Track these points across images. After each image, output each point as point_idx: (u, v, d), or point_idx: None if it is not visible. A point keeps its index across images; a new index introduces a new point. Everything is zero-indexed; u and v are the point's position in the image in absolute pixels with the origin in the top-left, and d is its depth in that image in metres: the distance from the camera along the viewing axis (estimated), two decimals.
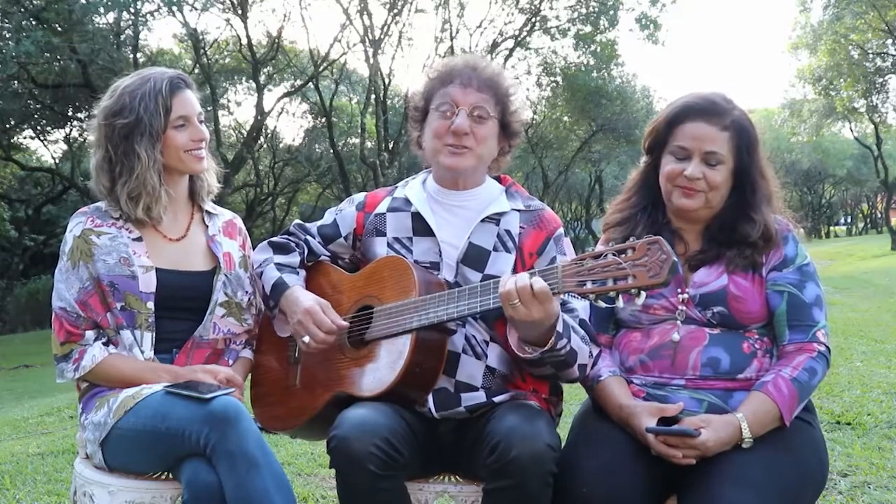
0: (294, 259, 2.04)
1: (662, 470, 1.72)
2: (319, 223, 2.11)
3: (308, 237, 2.09)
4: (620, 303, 1.51)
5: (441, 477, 1.90)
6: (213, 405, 1.69)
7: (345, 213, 2.07)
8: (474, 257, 1.88)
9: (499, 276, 1.82)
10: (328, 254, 2.09)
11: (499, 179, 2.04)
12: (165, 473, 1.85)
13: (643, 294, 1.48)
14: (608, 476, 1.67)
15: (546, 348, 1.67)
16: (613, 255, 1.51)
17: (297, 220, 2.17)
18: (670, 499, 1.75)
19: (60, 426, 5.24)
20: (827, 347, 1.82)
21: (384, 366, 1.78)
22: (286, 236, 2.12)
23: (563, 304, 1.81)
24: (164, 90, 1.96)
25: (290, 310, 1.92)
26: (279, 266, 2.01)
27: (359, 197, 2.10)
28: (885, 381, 4.50)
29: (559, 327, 1.68)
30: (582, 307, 1.84)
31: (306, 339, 1.85)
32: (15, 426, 5.49)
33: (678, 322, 1.85)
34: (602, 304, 1.54)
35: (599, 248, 2.02)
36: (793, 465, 1.70)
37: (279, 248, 2.08)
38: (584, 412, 1.96)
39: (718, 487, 1.61)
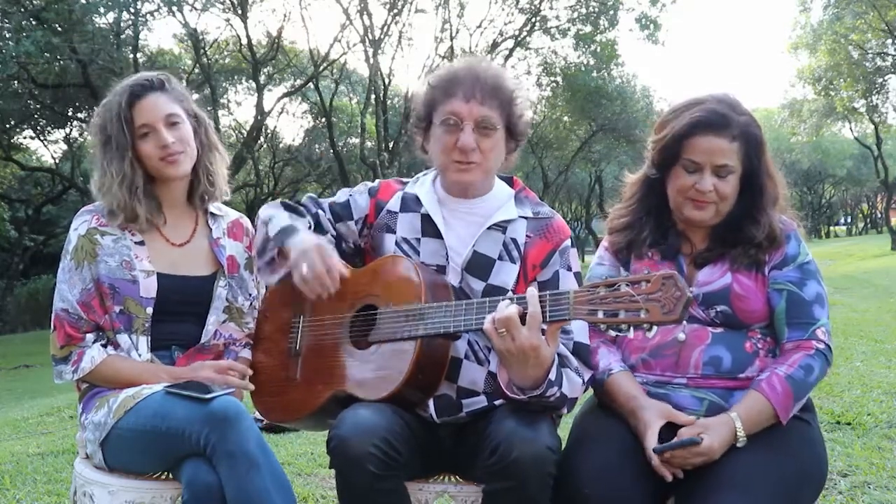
0: (304, 222, 1.97)
1: None
2: (332, 200, 2.07)
3: (319, 211, 2.04)
4: (630, 334, 1.49)
5: (441, 477, 1.90)
6: (213, 405, 1.69)
7: (358, 197, 2.03)
8: (478, 266, 1.86)
9: (502, 286, 1.82)
10: (334, 233, 2.03)
11: (510, 182, 2.01)
12: (165, 473, 1.85)
13: (655, 328, 1.46)
14: (609, 476, 1.67)
15: (535, 393, 1.64)
16: (627, 286, 1.48)
17: (310, 193, 2.12)
18: (671, 499, 1.75)
19: (60, 426, 5.24)
20: (827, 345, 1.81)
21: (387, 370, 1.76)
22: (297, 203, 2.07)
23: None
24: (124, 103, 1.96)
25: (296, 247, 1.83)
26: (291, 218, 1.94)
27: (373, 183, 2.07)
28: (885, 381, 4.50)
29: (552, 375, 1.63)
30: (578, 328, 1.81)
31: (304, 268, 1.78)
32: (15, 426, 5.49)
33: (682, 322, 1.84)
34: (612, 332, 1.52)
35: (605, 249, 2.01)
36: (791, 466, 1.70)
37: (291, 209, 2.01)
38: (585, 412, 1.96)
39: (716, 491, 1.61)
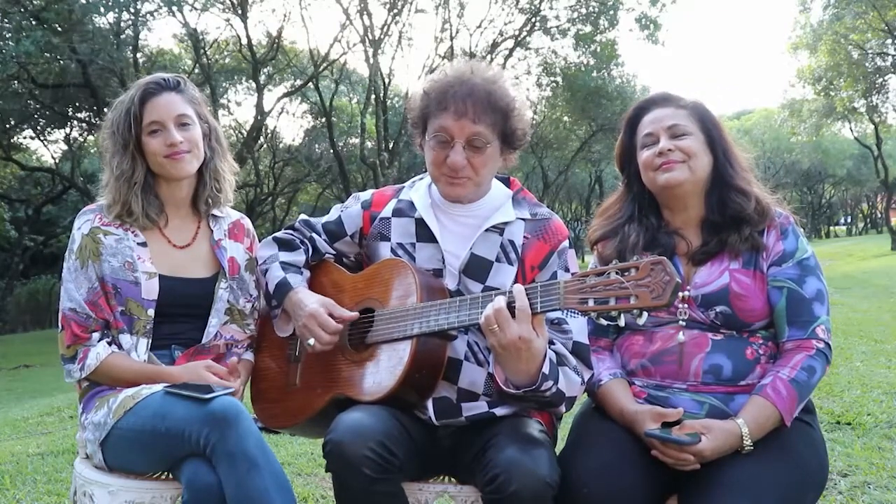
0: (299, 257, 2.03)
1: (663, 470, 1.72)
2: (325, 220, 2.09)
3: (314, 234, 2.07)
4: (622, 321, 1.50)
5: (441, 477, 1.90)
6: (213, 405, 1.69)
7: (350, 211, 2.04)
8: (476, 268, 1.86)
9: (499, 288, 1.80)
10: (333, 252, 2.06)
11: (507, 182, 2.00)
12: (165, 473, 1.85)
13: (645, 314, 1.46)
14: (609, 476, 1.67)
15: (530, 388, 1.65)
16: (616, 273, 1.49)
17: (303, 216, 2.14)
18: (670, 499, 1.75)
19: (60, 426, 5.24)
20: (827, 344, 1.81)
21: (384, 370, 1.77)
22: (291, 232, 2.10)
23: (559, 323, 1.79)
24: (136, 99, 1.98)
25: (295, 312, 1.91)
26: (284, 265, 2.00)
27: (365, 195, 2.06)
28: (885, 381, 4.50)
29: (545, 368, 1.63)
30: (577, 328, 1.81)
31: (311, 341, 1.84)
32: (15, 426, 5.50)
33: (681, 324, 1.84)
34: (603, 321, 1.53)
35: (595, 263, 2.02)
36: (793, 470, 1.69)
37: (284, 245, 2.06)
38: (584, 412, 1.96)
39: (718, 496, 1.61)
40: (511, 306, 1.59)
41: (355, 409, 1.70)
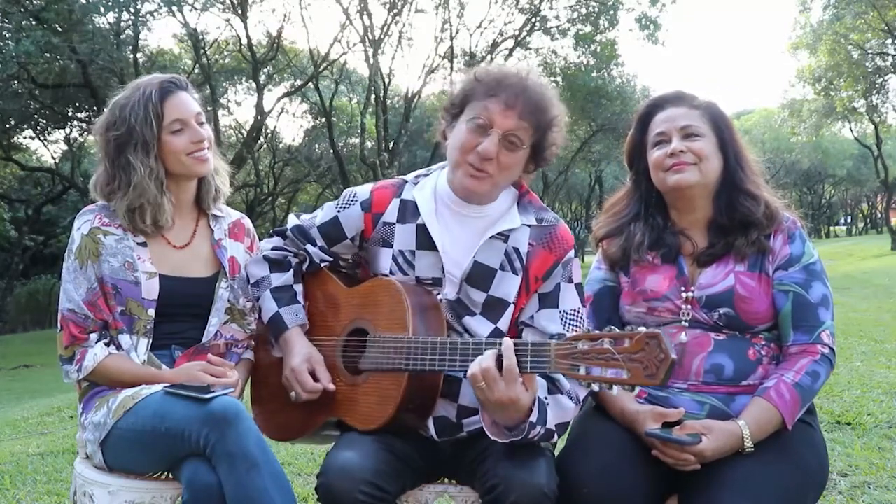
0: (290, 276, 1.99)
1: (663, 470, 1.72)
2: (319, 222, 1.97)
3: (308, 246, 1.99)
4: (615, 391, 1.46)
5: (441, 478, 1.89)
6: (213, 405, 1.69)
7: (349, 212, 1.93)
8: (479, 276, 1.81)
9: (504, 298, 1.79)
10: (329, 260, 2.00)
11: (516, 183, 1.92)
12: (165, 473, 1.85)
13: (637, 389, 1.43)
14: (608, 476, 1.67)
15: (517, 438, 1.62)
16: (609, 342, 1.43)
17: (295, 221, 2.04)
18: (671, 499, 1.75)
19: (60, 426, 5.24)
20: (831, 349, 1.81)
21: (376, 402, 1.75)
22: (283, 245, 2.02)
23: (557, 338, 1.74)
24: (154, 97, 1.94)
25: (283, 356, 1.91)
26: (276, 293, 1.95)
27: (363, 194, 1.94)
28: (885, 381, 4.50)
29: (533, 417, 1.59)
30: None
31: (292, 394, 1.86)
32: (15, 426, 5.50)
33: (684, 325, 1.84)
34: (595, 387, 1.48)
35: (599, 260, 2.01)
36: (794, 470, 1.69)
37: (275, 265, 2.00)
38: (584, 413, 1.95)
39: (719, 496, 1.61)
40: (500, 360, 1.54)
41: (346, 447, 1.69)
